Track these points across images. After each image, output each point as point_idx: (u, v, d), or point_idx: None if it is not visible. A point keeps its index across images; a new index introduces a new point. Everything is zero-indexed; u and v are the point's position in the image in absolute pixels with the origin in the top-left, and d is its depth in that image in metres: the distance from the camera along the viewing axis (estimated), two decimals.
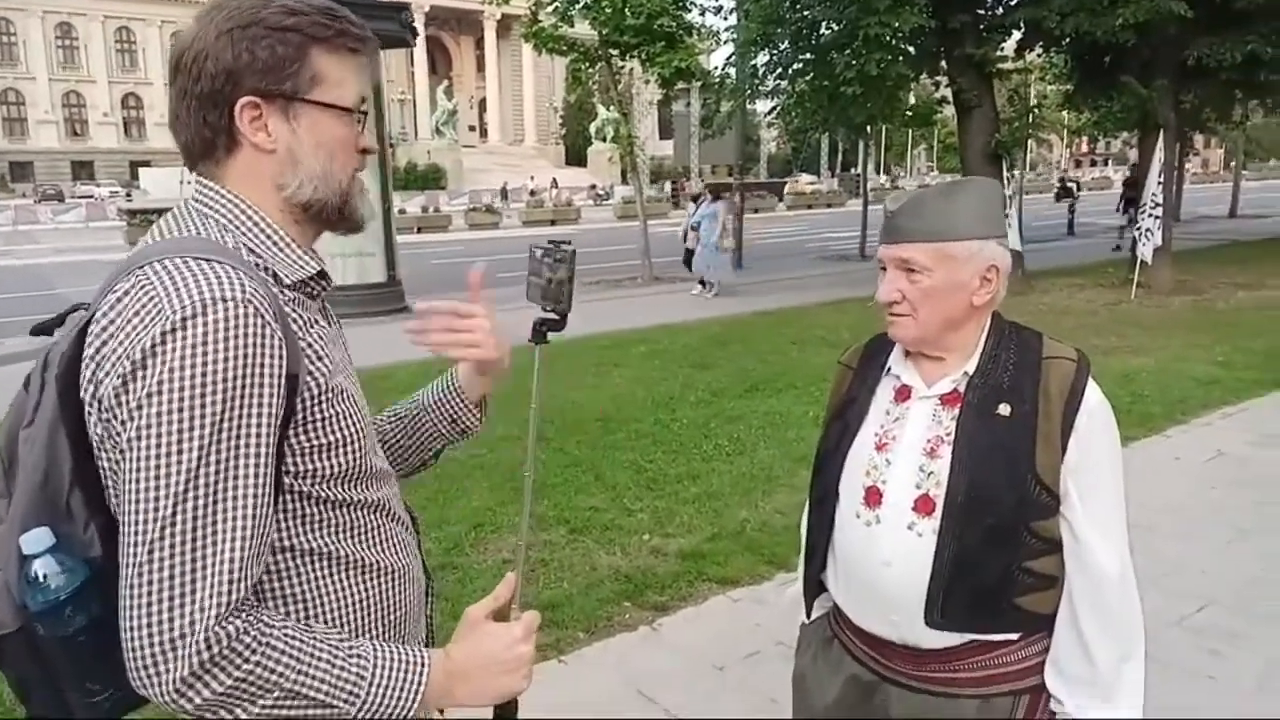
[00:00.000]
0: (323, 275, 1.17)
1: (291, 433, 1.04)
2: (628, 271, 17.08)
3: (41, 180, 66.63)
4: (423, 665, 1.07)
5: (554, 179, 54.81)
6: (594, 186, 54.06)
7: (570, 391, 7.33)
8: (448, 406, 1.48)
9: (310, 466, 1.07)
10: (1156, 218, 12.74)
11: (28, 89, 72.24)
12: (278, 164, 1.11)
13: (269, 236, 1.11)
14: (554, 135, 79.86)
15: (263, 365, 0.97)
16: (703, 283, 14.29)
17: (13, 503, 1.02)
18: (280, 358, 0.99)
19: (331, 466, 1.09)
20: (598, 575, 4.18)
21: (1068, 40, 14.07)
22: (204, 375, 0.93)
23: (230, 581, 0.95)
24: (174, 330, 0.93)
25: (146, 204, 33.84)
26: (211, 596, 0.93)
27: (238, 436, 0.96)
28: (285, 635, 0.98)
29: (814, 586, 1.72)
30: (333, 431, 1.08)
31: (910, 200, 1.54)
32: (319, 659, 0.99)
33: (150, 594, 0.92)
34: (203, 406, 0.93)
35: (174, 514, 0.93)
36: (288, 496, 1.07)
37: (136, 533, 0.93)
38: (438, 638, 1.35)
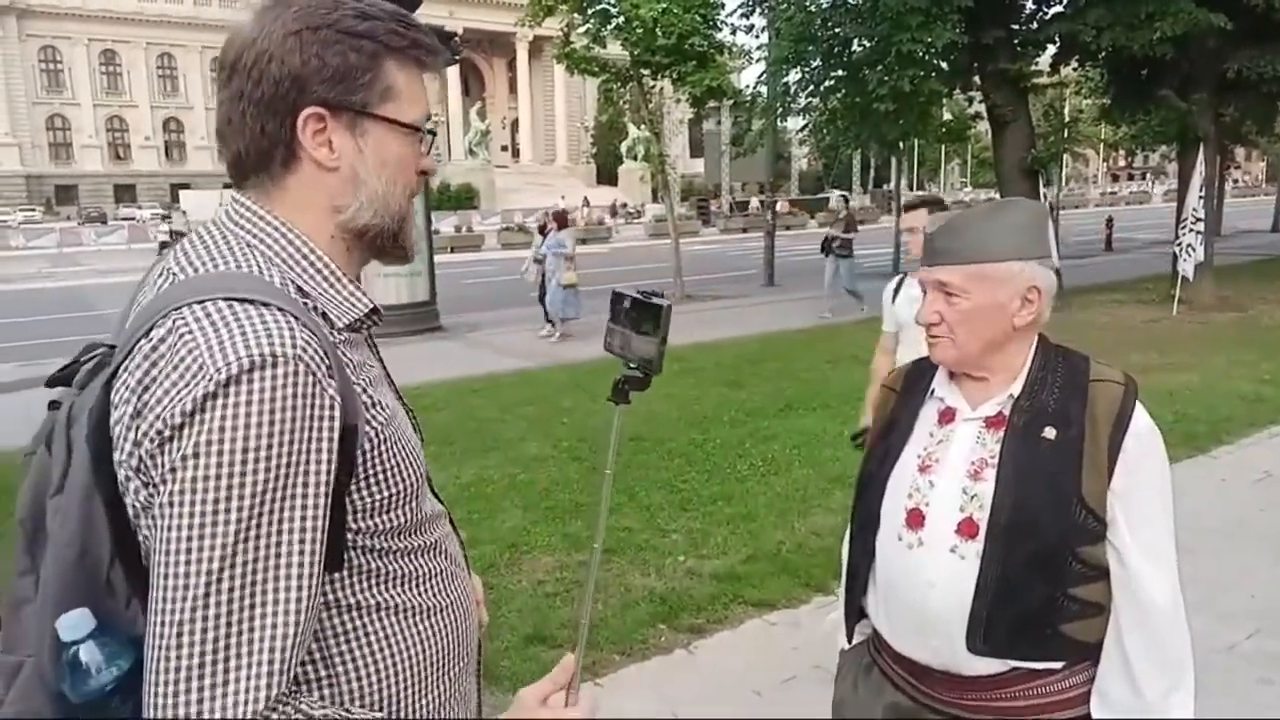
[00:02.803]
0: (374, 312, 1.06)
1: (352, 489, 0.95)
2: (659, 290, 17.08)
3: (85, 203, 68.20)
4: None
5: (585, 198, 55.05)
6: (625, 205, 54.29)
7: (604, 411, 7.30)
8: None
9: (371, 524, 0.99)
10: (1198, 233, 12.54)
11: (73, 114, 74.14)
12: (339, 183, 1.01)
13: (320, 272, 1.00)
14: (585, 154, 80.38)
15: (316, 432, 0.87)
16: (550, 321, 12.54)
17: (43, 580, 0.91)
18: (334, 419, 0.89)
19: (392, 520, 1.01)
20: (632, 597, 4.16)
21: (1104, 54, 13.95)
22: (248, 443, 0.83)
23: (270, 674, 0.84)
24: (217, 393, 0.83)
25: (183, 226, 34.58)
26: (248, 690, 0.83)
27: (285, 511, 0.85)
28: None
29: (855, 611, 1.70)
30: (391, 484, 0.99)
31: (948, 223, 1.53)
32: None
33: (177, 681, 0.82)
34: (244, 475, 0.83)
35: (207, 593, 0.82)
36: (351, 554, 0.98)
37: (166, 610, 0.83)
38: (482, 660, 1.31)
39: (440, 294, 13.95)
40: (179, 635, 0.82)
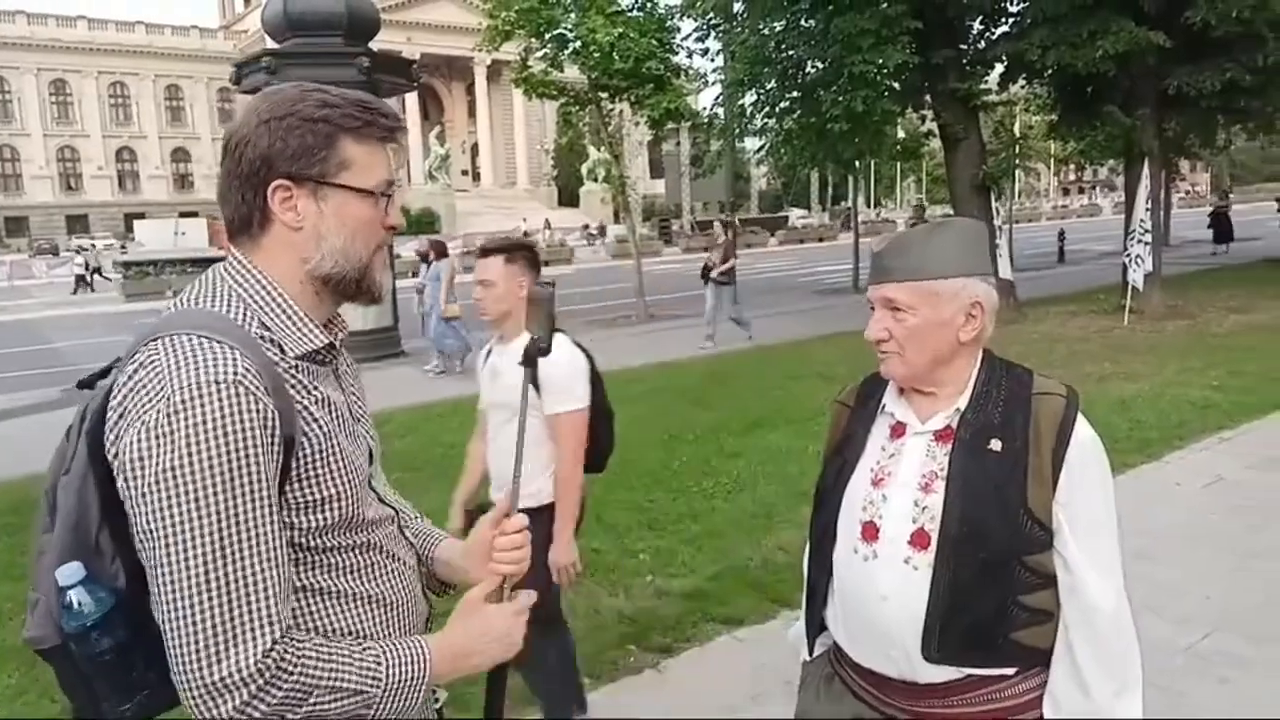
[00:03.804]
0: (331, 348, 1.29)
1: (289, 488, 1.17)
2: (622, 311, 17.14)
3: (36, 235, 66.87)
4: (424, 648, 1.23)
5: (546, 220, 55.15)
6: (586, 226, 54.42)
7: None
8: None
9: (305, 522, 1.20)
10: (1146, 244, 12.86)
11: (22, 145, 72.87)
12: (303, 240, 1.24)
13: (284, 311, 1.24)
14: (546, 177, 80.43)
15: (254, 438, 1.09)
16: (441, 352, 11.89)
17: (53, 538, 1.17)
18: (270, 426, 1.11)
19: (324, 519, 1.22)
20: (601, 618, 4.15)
21: (1049, 72, 14.30)
22: (206, 455, 1.07)
23: (267, 623, 1.09)
24: (175, 413, 1.07)
25: (141, 256, 33.95)
26: (252, 639, 1.07)
27: (244, 500, 1.08)
28: (314, 645, 1.13)
29: (816, 624, 1.73)
30: (326, 488, 1.20)
31: (893, 241, 1.59)
32: (343, 657, 1.15)
33: (198, 644, 1.06)
34: (210, 480, 1.07)
35: (206, 574, 1.06)
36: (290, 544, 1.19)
37: (176, 595, 1.06)
38: None
39: (401, 319, 13.86)
40: (193, 608, 1.06)
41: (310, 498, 1.19)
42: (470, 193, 74.75)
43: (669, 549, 4.97)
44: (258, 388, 1.11)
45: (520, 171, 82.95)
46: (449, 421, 8.60)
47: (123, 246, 44.35)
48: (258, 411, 1.10)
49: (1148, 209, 12.97)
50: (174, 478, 1.06)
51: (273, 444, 1.12)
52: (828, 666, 1.73)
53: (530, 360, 1.54)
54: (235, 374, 1.09)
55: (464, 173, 79.66)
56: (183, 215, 48.21)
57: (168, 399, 1.07)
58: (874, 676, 1.59)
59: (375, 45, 13.11)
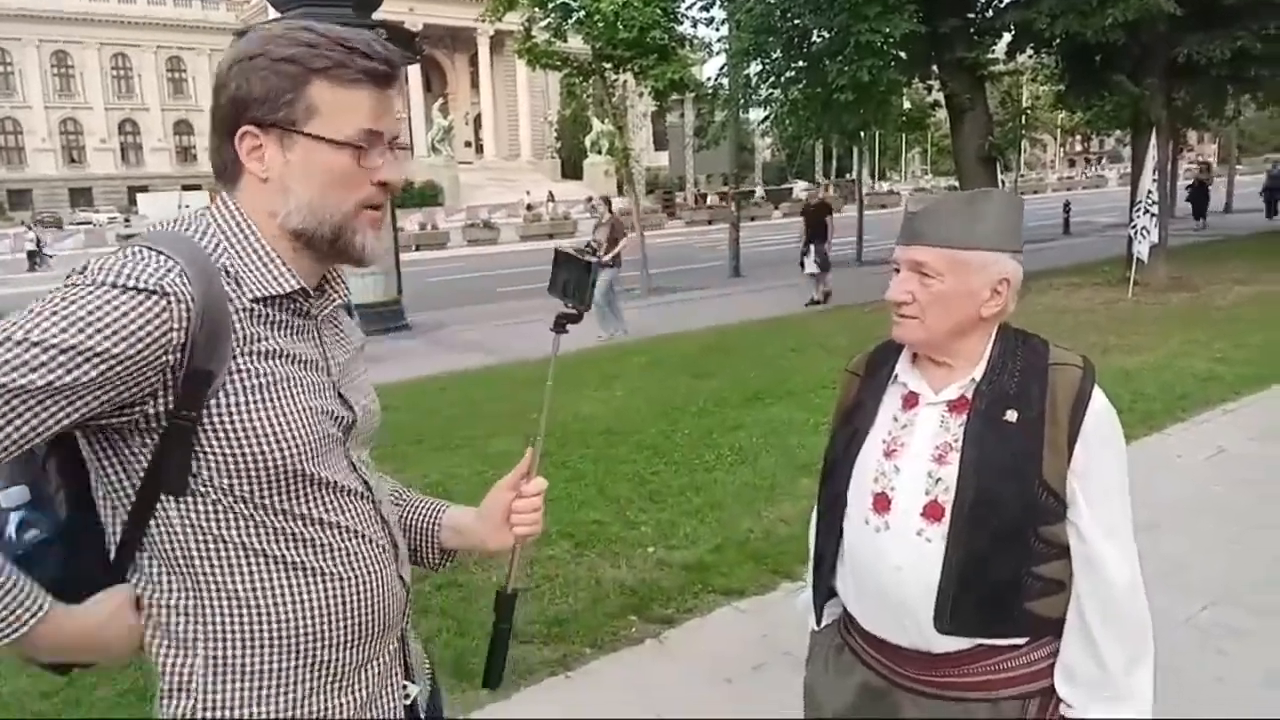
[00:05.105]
0: (305, 296, 1.19)
1: (202, 432, 1.07)
2: (625, 283, 17.11)
3: (40, 208, 66.73)
4: (43, 605, 1.03)
5: (550, 192, 54.89)
6: (590, 198, 54.20)
7: (572, 404, 7.34)
8: (412, 536, 1.45)
9: (234, 480, 1.10)
10: (1152, 215, 12.75)
11: (25, 117, 72.48)
12: (270, 192, 1.15)
13: (254, 251, 1.15)
14: (549, 149, 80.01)
15: (131, 346, 1.01)
16: None
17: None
18: (148, 345, 1.02)
19: (261, 475, 1.11)
20: (603, 589, 4.17)
21: (1058, 41, 14.13)
22: (72, 315, 0.99)
23: None
24: (84, 284, 1.02)
25: (144, 229, 33.87)
26: None
27: (49, 370, 0.97)
28: None
29: (823, 593, 1.72)
30: (251, 441, 1.09)
31: (932, 204, 1.55)
32: None
33: None
34: (49, 328, 0.98)
35: None
36: (210, 489, 1.09)
37: None
38: (415, 650, 1.41)
39: (405, 292, 13.87)
40: None
41: (233, 447, 1.08)
42: (473, 165, 74.37)
43: (670, 521, 4.99)
44: (179, 306, 1.03)
45: (524, 144, 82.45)
46: (451, 394, 8.62)
47: (126, 219, 44.27)
48: (150, 324, 1.01)
49: (1155, 180, 12.86)
50: (36, 305, 1.00)
51: (132, 361, 1.01)
52: (837, 636, 1.72)
53: (561, 327, 1.45)
54: (164, 283, 1.03)
55: (467, 144, 79.19)
56: (186, 188, 48.19)
57: (89, 276, 1.03)
58: (886, 646, 1.59)
59: (377, 16, 12.99)
